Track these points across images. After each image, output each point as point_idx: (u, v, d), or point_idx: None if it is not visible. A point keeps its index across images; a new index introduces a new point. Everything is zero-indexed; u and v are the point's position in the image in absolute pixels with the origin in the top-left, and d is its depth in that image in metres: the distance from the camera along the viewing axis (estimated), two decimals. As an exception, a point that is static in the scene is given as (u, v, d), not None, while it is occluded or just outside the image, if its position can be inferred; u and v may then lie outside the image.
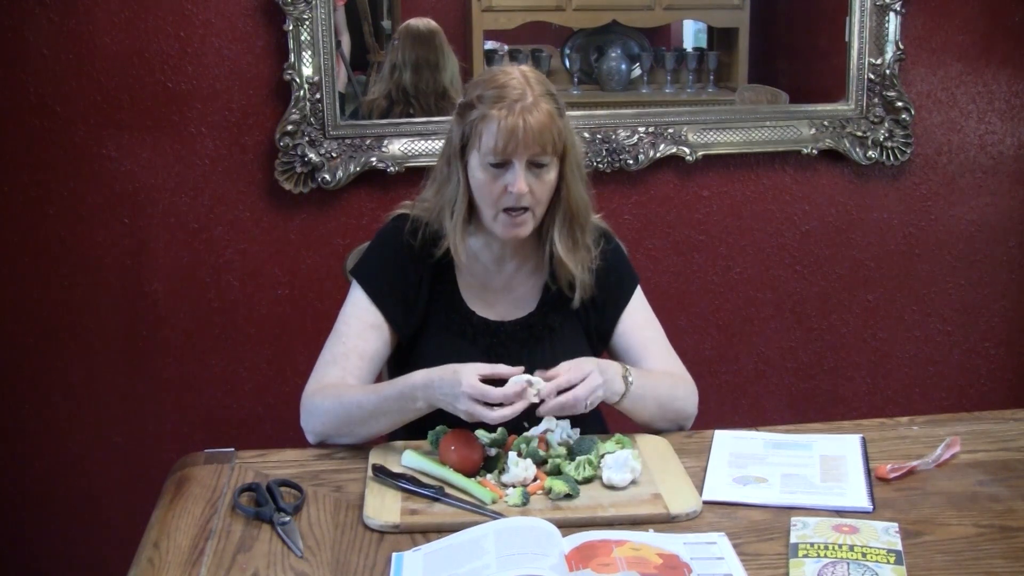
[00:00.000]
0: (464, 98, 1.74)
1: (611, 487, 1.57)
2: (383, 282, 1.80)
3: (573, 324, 1.85)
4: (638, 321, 1.88)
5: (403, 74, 2.60)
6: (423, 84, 2.60)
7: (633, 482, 1.58)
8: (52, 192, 2.48)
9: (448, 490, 1.56)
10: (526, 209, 1.72)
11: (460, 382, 1.57)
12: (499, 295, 1.84)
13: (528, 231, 1.75)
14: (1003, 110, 2.79)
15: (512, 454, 1.61)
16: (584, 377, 1.63)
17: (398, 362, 1.86)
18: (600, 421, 1.86)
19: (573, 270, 1.78)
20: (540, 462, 1.62)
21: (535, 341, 1.82)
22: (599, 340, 1.88)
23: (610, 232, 1.91)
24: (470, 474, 1.59)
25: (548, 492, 1.55)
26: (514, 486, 1.56)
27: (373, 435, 1.72)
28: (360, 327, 1.79)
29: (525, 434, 1.67)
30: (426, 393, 1.63)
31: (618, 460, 1.58)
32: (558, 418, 1.69)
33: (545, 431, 1.68)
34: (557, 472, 1.60)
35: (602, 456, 1.61)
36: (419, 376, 1.64)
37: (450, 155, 1.76)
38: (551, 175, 1.72)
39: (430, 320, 1.81)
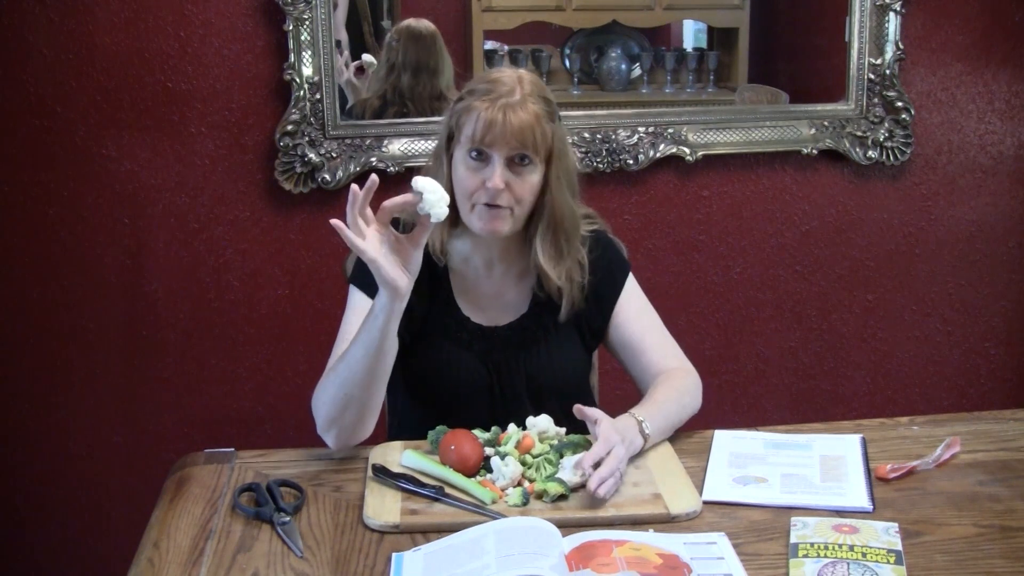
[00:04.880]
0: (460, 93, 1.75)
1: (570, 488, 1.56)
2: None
3: (567, 324, 1.84)
4: (632, 312, 1.86)
5: (401, 76, 2.60)
6: (420, 87, 2.60)
7: (635, 484, 1.58)
8: (52, 192, 2.48)
9: (448, 490, 1.56)
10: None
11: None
12: (491, 300, 1.84)
13: (506, 227, 1.73)
14: (1003, 110, 2.79)
15: (496, 458, 1.60)
16: (608, 450, 1.56)
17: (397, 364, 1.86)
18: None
19: (556, 280, 1.77)
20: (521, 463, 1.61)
21: (531, 343, 1.82)
22: (592, 337, 1.88)
23: (601, 230, 1.88)
24: (470, 474, 1.59)
25: (541, 496, 1.54)
26: (512, 486, 1.56)
27: (364, 387, 1.64)
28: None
29: (508, 433, 1.66)
30: (376, 302, 1.60)
31: (572, 461, 1.57)
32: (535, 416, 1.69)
33: (528, 430, 1.67)
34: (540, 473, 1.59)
35: (562, 456, 1.60)
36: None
37: (439, 149, 1.77)
38: (534, 176, 1.71)
39: (427, 326, 1.81)
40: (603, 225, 1.89)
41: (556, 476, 1.56)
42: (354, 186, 1.57)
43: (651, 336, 1.85)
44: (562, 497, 1.54)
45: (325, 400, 1.68)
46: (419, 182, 1.55)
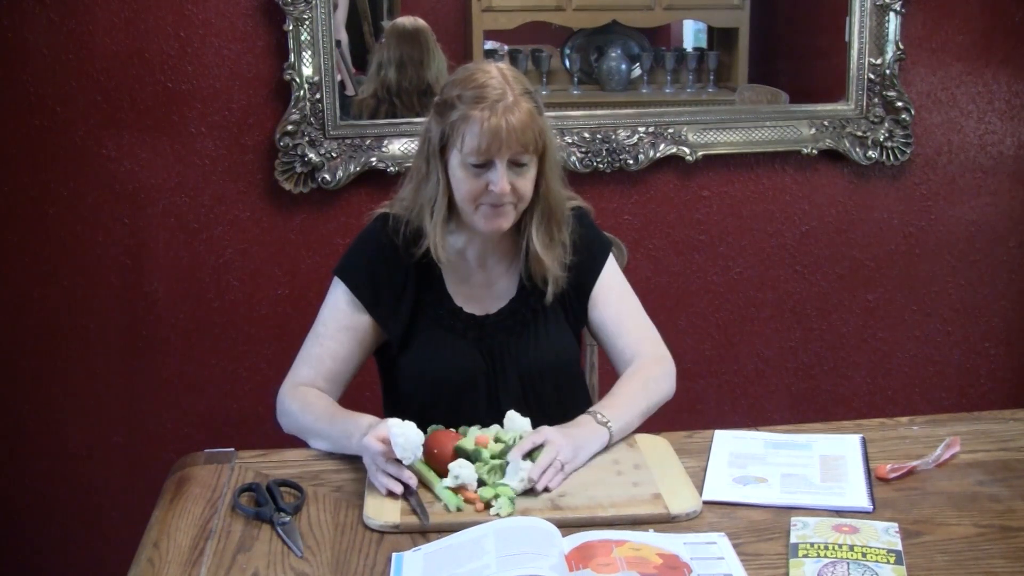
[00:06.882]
0: (441, 96, 1.74)
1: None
2: (368, 281, 1.80)
3: (554, 306, 1.85)
4: (610, 293, 1.89)
5: (388, 72, 2.60)
6: (406, 81, 2.59)
7: (635, 484, 1.58)
8: (52, 192, 2.48)
9: (422, 492, 1.55)
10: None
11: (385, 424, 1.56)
12: (482, 290, 1.85)
13: (510, 223, 1.75)
14: (1003, 110, 2.79)
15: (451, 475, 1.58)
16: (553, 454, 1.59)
17: (391, 360, 1.86)
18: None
19: (548, 266, 1.79)
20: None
21: (522, 327, 1.83)
22: (575, 316, 1.89)
23: (581, 207, 1.90)
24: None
25: (488, 506, 1.52)
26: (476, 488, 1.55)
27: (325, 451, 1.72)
28: (335, 328, 1.80)
29: (464, 439, 1.65)
30: (361, 438, 1.60)
31: (515, 467, 1.56)
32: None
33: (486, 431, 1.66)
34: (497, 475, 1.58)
35: (507, 462, 1.58)
36: (367, 419, 1.65)
37: (429, 154, 1.76)
38: (532, 172, 1.73)
39: (419, 317, 1.82)
40: (582, 202, 1.90)
41: (504, 482, 1.55)
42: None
43: (628, 320, 1.88)
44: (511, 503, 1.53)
45: (287, 422, 1.76)
46: (393, 428, 1.55)
